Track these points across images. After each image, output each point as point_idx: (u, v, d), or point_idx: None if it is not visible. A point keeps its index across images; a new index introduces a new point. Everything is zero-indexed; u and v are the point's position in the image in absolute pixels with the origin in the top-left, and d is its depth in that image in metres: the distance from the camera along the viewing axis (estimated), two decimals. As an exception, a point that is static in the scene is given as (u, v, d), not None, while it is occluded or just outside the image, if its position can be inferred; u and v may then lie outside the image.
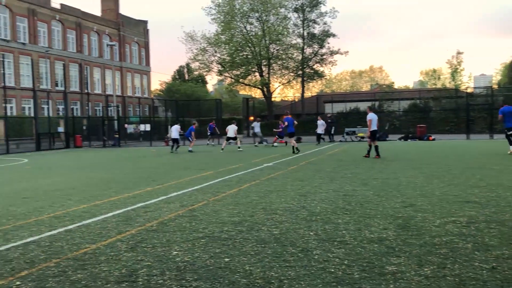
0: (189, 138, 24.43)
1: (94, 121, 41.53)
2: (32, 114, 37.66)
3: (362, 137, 29.81)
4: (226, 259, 4.60)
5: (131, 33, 66.56)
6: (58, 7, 54.50)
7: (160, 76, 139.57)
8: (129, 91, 65.77)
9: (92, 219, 6.80)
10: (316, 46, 53.45)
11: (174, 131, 24.06)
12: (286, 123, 20.73)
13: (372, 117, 16.27)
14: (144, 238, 5.58)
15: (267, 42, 50.42)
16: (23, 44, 49.23)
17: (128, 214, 7.08)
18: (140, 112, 51.04)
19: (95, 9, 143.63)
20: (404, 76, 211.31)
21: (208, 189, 9.53)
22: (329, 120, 31.05)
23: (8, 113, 40.92)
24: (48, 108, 35.46)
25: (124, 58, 64.87)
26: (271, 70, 53.37)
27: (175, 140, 23.81)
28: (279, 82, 56.67)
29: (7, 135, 29.79)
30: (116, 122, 37.06)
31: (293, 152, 19.46)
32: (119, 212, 7.29)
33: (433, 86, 67.53)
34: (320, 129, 27.99)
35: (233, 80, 54.62)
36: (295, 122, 21.49)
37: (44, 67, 51.00)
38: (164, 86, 77.49)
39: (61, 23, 54.49)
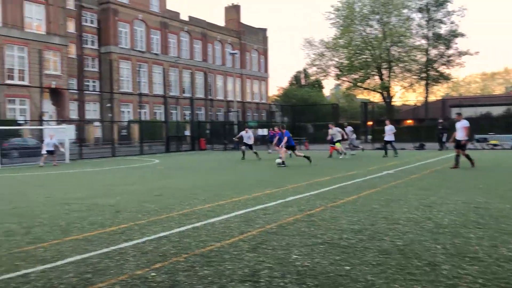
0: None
1: (216, 125, 43.86)
2: (163, 119, 41.02)
3: (495, 145, 27.12)
4: (347, 267, 4.51)
5: (251, 41, 69.09)
6: (187, 19, 58.75)
7: (278, 81, 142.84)
8: (248, 97, 68.28)
9: (216, 218, 7.17)
10: (442, 47, 50.25)
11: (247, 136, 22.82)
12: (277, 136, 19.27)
13: (464, 124, 14.71)
14: (264, 239, 5.72)
15: (388, 44, 48.68)
16: (156, 54, 53.95)
17: (249, 215, 7.32)
18: (258, 117, 52.68)
19: (219, 19, 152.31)
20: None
21: (325, 195, 9.45)
22: (439, 127, 27.81)
23: (142, 118, 45.16)
24: (176, 113, 38.31)
25: (244, 66, 67.58)
26: (392, 73, 51.37)
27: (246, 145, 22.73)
28: (401, 86, 54.32)
29: (141, 137, 32.80)
30: (236, 126, 38.72)
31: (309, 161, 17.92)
32: (240, 212, 7.58)
33: None
34: (389, 136, 21.78)
35: (351, 84, 53.71)
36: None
37: (173, 76, 55.31)
38: (281, 92, 78.99)
39: (189, 34, 58.62)
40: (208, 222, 6.89)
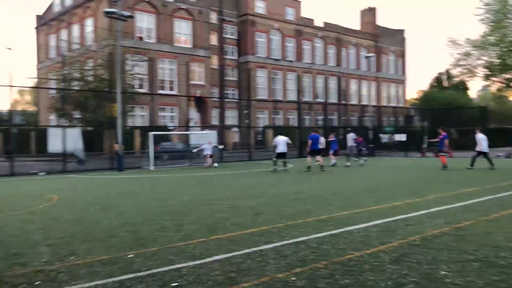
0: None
1: (348, 131, 43.04)
2: (296, 124, 41.67)
3: None
4: (507, 290, 4.03)
5: (388, 43, 66.62)
6: (321, 25, 58.96)
7: (416, 84, 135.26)
8: (384, 100, 65.86)
9: (354, 226, 6.99)
10: None
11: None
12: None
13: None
14: (407, 252, 5.41)
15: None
16: (290, 61, 55.12)
17: (389, 226, 7.00)
18: (394, 122, 50.46)
19: (354, 23, 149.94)
20: None
21: (476, 207, 8.62)
22: None
23: (276, 123, 46.45)
24: (309, 119, 38.57)
25: (380, 69, 65.43)
26: (553, 72, 45.03)
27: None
28: None
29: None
30: (371, 131, 37.56)
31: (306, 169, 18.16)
32: (379, 222, 7.29)
33: None
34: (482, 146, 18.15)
35: (503, 84, 48.42)
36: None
37: (307, 81, 55.92)
38: (421, 95, 74.60)
39: (323, 39, 58.74)
40: (345, 229, 6.76)
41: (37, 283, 4.53)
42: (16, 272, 4.90)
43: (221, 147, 25.14)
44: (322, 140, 20.44)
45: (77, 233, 6.93)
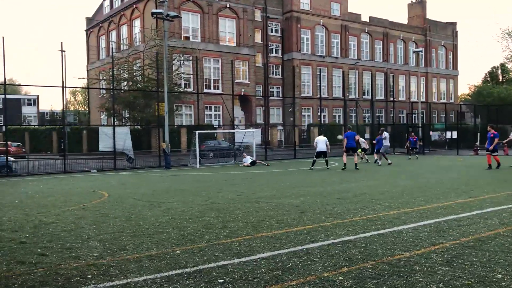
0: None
1: (398, 128, 41.98)
2: (342, 122, 41.07)
3: None
4: None
5: (438, 37, 64.38)
6: (367, 20, 57.75)
7: (469, 79, 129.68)
8: (434, 97, 63.72)
9: (403, 226, 6.80)
10: None
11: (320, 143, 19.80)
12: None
13: None
14: (460, 253, 5.19)
15: None
16: (336, 58, 54.36)
17: (440, 226, 6.76)
18: (445, 119, 48.72)
19: (402, 17, 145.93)
20: None
21: (534, 208, 8.16)
22: None
23: (322, 121, 45.96)
24: (356, 116, 37.92)
25: (430, 64, 63.35)
26: None
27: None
28: None
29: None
30: (420, 129, 36.44)
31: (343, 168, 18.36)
32: (429, 222, 7.05)
33: None
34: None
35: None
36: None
37: (353, 78, 54.97)
38: (473, 90, 71.62)
39: (369, 35, 57.52)
40: (394, 229, 6.58)
41: (89, 276, 4.70)
42: (70, 265, 5.10)
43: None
44: (357, 137, 21.03)
45: (126, 228, 7.13)
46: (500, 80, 71.92)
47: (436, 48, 64.33)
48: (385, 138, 22.98)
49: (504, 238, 5.87)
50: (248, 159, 23.10)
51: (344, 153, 19.49)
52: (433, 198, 9.69)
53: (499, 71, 72.41)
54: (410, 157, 25.70)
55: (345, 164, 18.87)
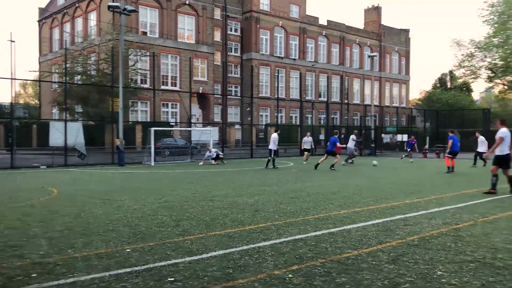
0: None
1: (352, 130, 43.02)
2: (298, 123, 41.63)
3: None
4: (503, 292, 4.02)
5: (392, 42, 66.46)
6: (325, 23, 58.80)
7: (420, 84, 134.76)
8: (387, 100, 65.75)
9: (352, 225, 7.00)
10: None
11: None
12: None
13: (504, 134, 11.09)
14: (405, 252, 5.41)
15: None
16: (294, 59, 55.02)
17: (387, 225, 7.00)
18: (397, 122, 50.35)
19: (358, 22, 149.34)
20: None
21: (474, 209, 8.61)
22: None
23: (279, 121, 46.37)
24: (311, 117, 38.53)
25: (383, 68, 65.29)
26: None
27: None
28: None
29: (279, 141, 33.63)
30: (372, 131, 37.52)
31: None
32: (378, 221, 7.29)
33: None
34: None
35: (505, 87, 48.34)
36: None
37: (310, 80, 55.80)
38: (424, 95, 74.48)
39: (327, 38, 58.60)
40: (344, 228, 6.76)
41: (33, 275, 4.54)
42: (12, 264, 4.91)
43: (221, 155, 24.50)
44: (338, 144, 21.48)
45: (75, 226, 6.94)
46: (449, 86, 75.14)
47: (390, 54, 66.41)
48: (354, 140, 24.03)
49: (446, 237, 6.16)
50: (213, 153, 23.28)
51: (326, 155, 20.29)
52: (382, 198, 10.01)
53: (448, 77, 75.65)
54: (411, 160, 26.33)
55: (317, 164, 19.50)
